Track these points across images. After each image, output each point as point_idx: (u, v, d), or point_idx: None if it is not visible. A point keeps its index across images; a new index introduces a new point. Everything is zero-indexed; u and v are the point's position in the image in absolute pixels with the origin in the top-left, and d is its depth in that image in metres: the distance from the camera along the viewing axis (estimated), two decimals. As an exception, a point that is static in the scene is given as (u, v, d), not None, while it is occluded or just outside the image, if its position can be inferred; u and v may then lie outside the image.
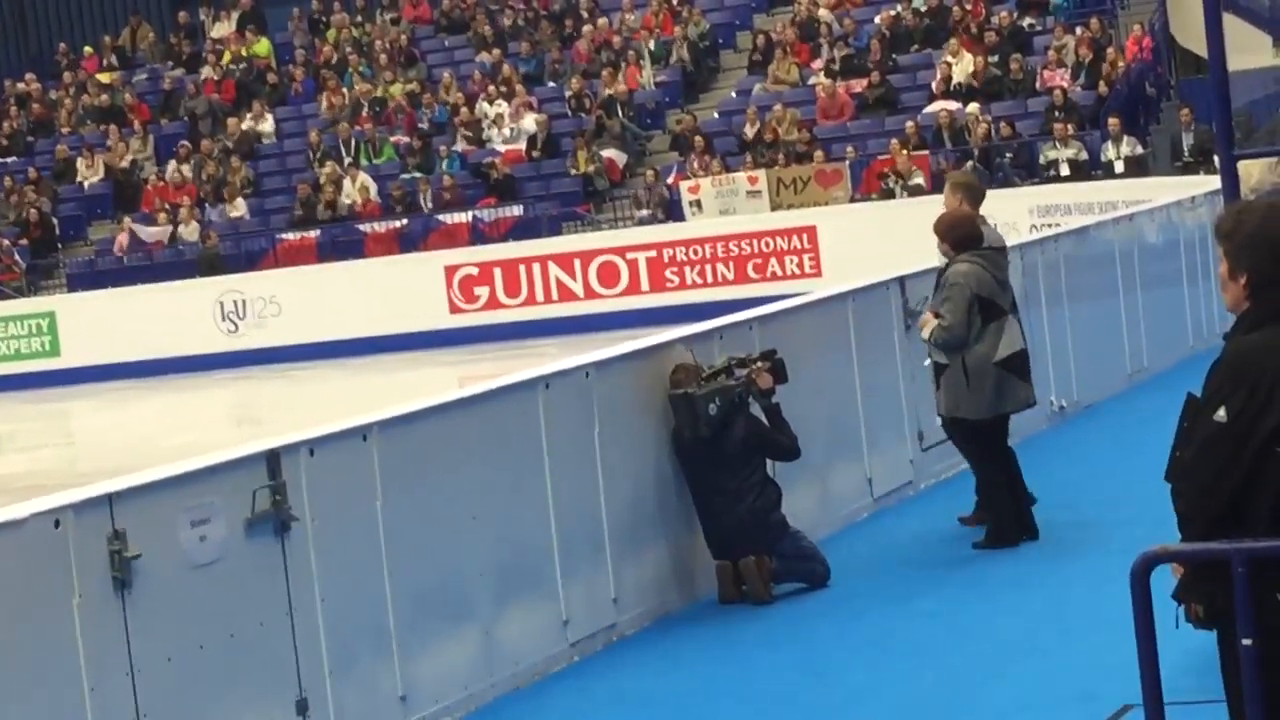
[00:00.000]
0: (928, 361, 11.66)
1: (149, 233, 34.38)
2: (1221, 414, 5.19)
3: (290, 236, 33.25)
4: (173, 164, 36.19)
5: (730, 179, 31.01)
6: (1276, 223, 5.33)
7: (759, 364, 10.89)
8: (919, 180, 29.70)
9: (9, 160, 38.11)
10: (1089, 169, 28.87)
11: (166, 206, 34.84)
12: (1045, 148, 29.30)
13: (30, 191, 36.13)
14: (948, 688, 8.88)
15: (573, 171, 33.17)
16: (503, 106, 34.91)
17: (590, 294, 29.49)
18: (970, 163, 29.75)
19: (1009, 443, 11.72)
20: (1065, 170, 28.22)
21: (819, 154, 31.18)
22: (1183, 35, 32.09)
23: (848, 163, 30.87)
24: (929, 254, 12.78)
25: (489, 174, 33.22)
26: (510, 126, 34.60)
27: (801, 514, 11.24)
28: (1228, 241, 5.38)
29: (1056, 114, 29.88)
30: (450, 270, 29.96)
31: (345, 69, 37.61)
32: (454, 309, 29.85)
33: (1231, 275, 5.36)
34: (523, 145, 34.16)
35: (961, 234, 11.51)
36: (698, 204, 30.94)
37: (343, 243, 32.83)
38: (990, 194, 13.84)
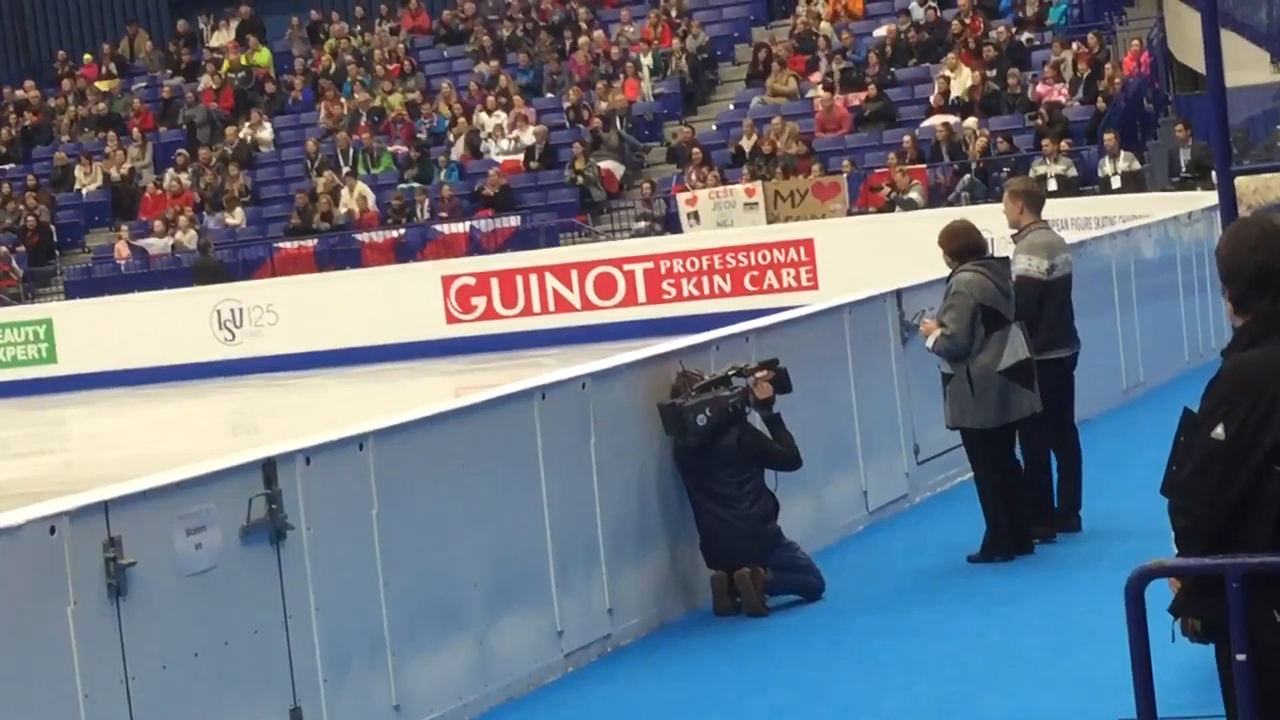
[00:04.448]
0: (947, 368, 11.60)
1: (149, 245, 34.37)
2: (1220, 431, 5.19)
3: (288, 245, 33.27)
4: (171, 172, 36.22)
5: (728, 191, 31.05)
6: (1238, 240, 5.38)
7: (760, 373, 10.90)
8: (914, 195, 29.73)
9: (7, 167, 38.16)
10: (1078, 185, 28.88)
11: (165, 215, 34.86)
12: (1035, 163, 29.32)
13: (28, 199, 36.15)
14: (941, 701, 8.88)
15: (570, 180, 33.19)
16: (501, 117, 34.94)
17: (587, 305, 29.50)
18: (968, 176, 29.81)
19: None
20: (1053, 186, 28.19)
21: (816, 167, 31.22)
22: (1181, 51, 32.21)
23: (845, 176, 30.90)
24: (926, 267, 12.80)
25: (484, 190, 33.18)
26: (508, 138, 34.63)
27: (796, 526, 11.25)
28: (1217, 259, 5.45)
29: (1041, 123, 29.96)
30: (447, 280, 29.96)
31: (344, 79, 37.64)
32: (451, 319, 29.85)
33: (1224, 292, 5.43)
34: (520, 156, 34.19)
35: (961, 244, 11.52)
36: (695, 216, 30.97)
37: (340, 252, 32.85)
38: (987, 209, 13.87)
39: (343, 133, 35.67)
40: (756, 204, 30.67)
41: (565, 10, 37.91)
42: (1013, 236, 12.17)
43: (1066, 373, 12.16)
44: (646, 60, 35.48)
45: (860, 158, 31.70)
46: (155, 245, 34.29)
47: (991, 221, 12.93)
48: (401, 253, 32.35)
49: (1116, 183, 28.48)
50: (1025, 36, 33.38)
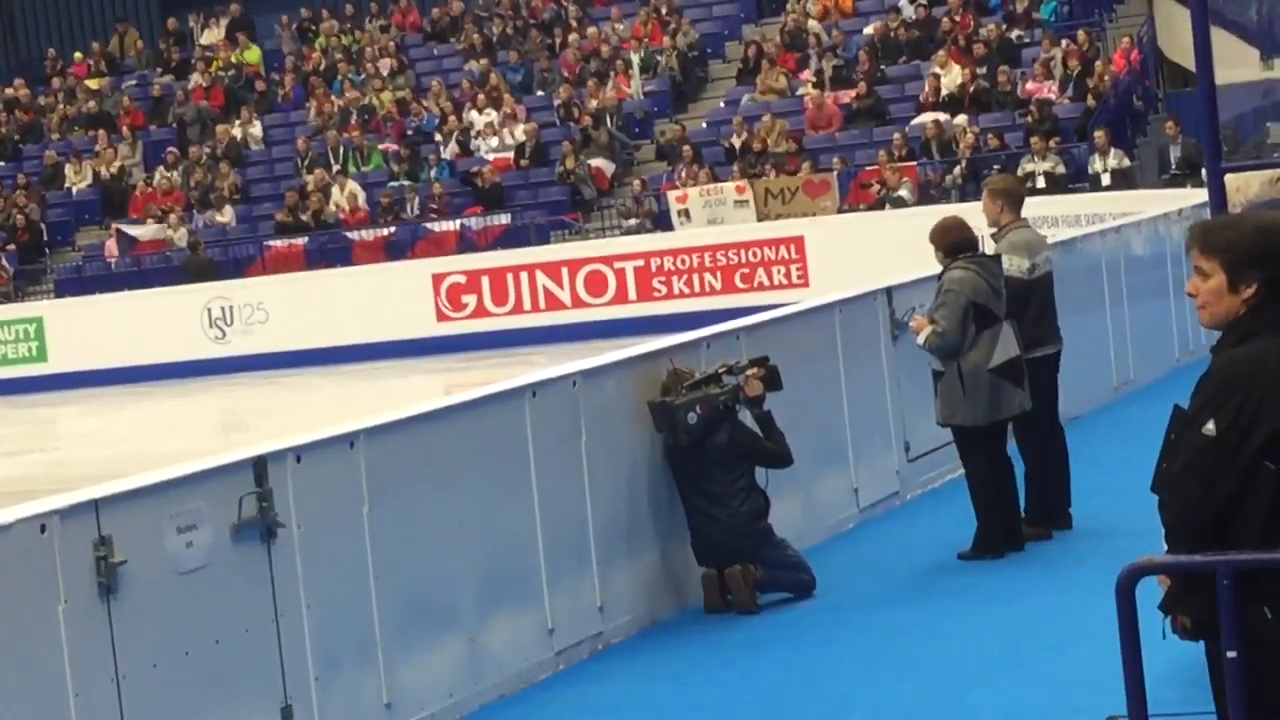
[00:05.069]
0: (938, 365, 11.60)
1: (140, 232, 34.33)
2: (1210, 427, 5.17)
3: (278, 243, 33.25)
4: (161, 170, 36.18)
5: (718, 189, 31.03)
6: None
7: (751, 371, 10.91)
8: (904, 193, 29.74)
9: (-3, 165, 38.13)
10: (1067, 183, 28.90)
11: (155, 212, 34.83)
12: (1023, 160, 29.34)
13: (18, 197, 36.11)
14: (932, 698, 8.89)
15: (560, 178, 33.18)
16: (491, 115, 34.93)
17: (578, 303, 29.49)
18: (957, 169, 29.82)
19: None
20: (1041, 183, 28.19)
21: (807, 164, 31.22)
22: (1170, 49, 32.24)
23: (835, 173, 30.91)
24: (917, 264, 12.78)
25: (476, 182, 33.25)
26: (498, 135, 34.61)
27: (787, 524, 11.24)
28: (1225, 255, 5.25)
29: (1031, 120, 29.99)
30: (438, 278, 29.95)
31: (334, 76, 37.61)
32: (441, 317, 29.83)
33: (1231, 288, 5.28)
34: (511, 154, 34.18)
35: (953, 240, 11.53)
36: (685, 214, 30.96)
37: (331, 250, 32.84)
38: (977, 206, 13.81)
39: (333, 131, 35.65)
40: (747, 201, 30.66)
41: (555, 8, 37.90)
42: (992, 235, 12.19)
43: (1051, 370, 12.17)
44: (637, 58, 35.47)
45: (850, 155, 31.69)
46: (140, 233, 34.21)
47: (981, 219, 12.92)
48: (392, 251, 32.34)
49: (1106, 180, 28.51)
50: (1015, 34, 33.40)
